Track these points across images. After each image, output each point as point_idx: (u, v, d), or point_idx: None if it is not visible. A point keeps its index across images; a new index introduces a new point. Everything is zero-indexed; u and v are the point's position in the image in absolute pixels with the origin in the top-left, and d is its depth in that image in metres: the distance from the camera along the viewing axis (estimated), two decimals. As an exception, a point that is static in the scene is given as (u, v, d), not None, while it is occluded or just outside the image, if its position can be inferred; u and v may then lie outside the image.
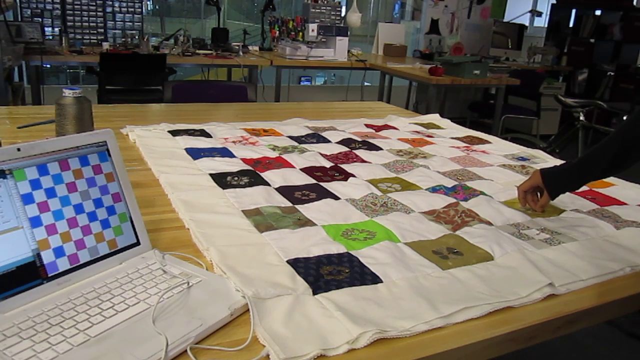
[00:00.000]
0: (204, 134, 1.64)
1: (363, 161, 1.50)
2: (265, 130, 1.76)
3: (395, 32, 5.50)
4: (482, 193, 1.28)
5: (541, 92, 5.12)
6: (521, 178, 1.44)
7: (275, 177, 1.30)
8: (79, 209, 0.78)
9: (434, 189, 1.30)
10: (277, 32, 4.77)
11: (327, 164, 1.45)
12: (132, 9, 4.13)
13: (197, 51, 4.12)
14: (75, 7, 3.93)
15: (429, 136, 1.86)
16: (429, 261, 0.93)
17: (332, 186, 1.27)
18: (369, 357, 0.68)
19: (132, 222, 0.85)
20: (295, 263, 0.88)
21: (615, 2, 6.33)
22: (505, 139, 1.94)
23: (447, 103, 5.94)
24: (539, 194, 1.20)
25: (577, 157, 1.13)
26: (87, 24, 3.99)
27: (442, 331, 0.75)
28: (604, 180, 1.46)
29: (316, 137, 1.72)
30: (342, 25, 4.54)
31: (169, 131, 1.63)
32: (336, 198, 1.20)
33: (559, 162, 1.61)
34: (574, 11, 6.67)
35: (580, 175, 1.11)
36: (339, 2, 4.69)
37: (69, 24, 3.93)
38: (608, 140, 1.06)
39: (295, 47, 4.29)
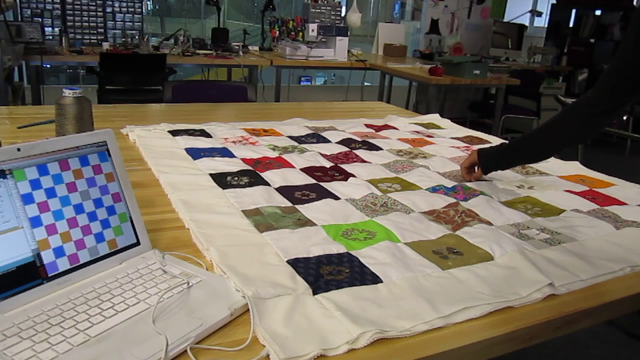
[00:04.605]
0: (204, 134, 1.64)
1: (363, 161, 1.50)
2: (265, 130, 1.76)
3: (395, 32, 5.50)
4: (482, 193, 1.28)
5: (541, 92, 5.11)
6: (522, 178, 1.44)
7: (275, 177, 1.30)
8: (79, 209, 0.78)
9: (434, 189, 1.30)
10: (277, 32, 4.77)
11: (327, 164, 1.45)
12: (132, 9, 4.13)
13: (197, 51, 4.12)
14: (75, 7, 3.94)
15: (429, 136, 1.86)
16: (429, 261, 0.93)
17: (332, 186, 1.27)
18: (369, 357, 0.68)
19: (132, 222, 0.85)
20: (295, 263, 0.88)
21: (615, 2, 6.33)
22: (506, 139, 1.94)
23: (447, 103, 5.93)
24: (476, 169, 1.39)
25: (510, 141, 1.35)
26: (87, 24, 3.99)
27: (442, 331, 0.75)
28: (604, 180, 1.47)
29: (316, 137, 1.72)
30: (342, 25, 4.54)
31: (169, 131, 1.63)
32: (336, 198, 1.20)
33: (559, 162, 1.62)
34: (574, 11, 6.66)
35: (509, 160, 1.35)
36: (339, 2, 4.69)
37: (69, 24, 3.93)
38: (533, 135, 1.28)
39: (295, 47, 4.29)
